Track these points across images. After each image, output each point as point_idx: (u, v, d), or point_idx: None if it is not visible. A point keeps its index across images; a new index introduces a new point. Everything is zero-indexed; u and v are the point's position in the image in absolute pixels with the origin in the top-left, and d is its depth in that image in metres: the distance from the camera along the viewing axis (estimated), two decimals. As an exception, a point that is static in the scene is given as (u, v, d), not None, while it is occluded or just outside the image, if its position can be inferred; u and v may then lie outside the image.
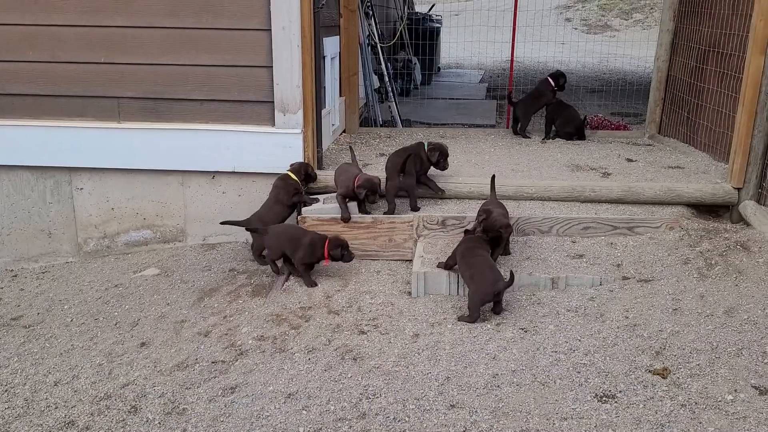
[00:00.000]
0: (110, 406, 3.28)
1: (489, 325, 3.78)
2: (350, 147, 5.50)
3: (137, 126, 5.08)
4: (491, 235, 4.14)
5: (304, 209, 4.78)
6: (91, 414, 3.23)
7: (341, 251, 4.26)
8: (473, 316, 3.80)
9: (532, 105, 6.69)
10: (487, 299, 3.81)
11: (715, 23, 5.67)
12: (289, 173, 4.79)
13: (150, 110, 5.08)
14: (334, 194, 4.87)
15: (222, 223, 4.84)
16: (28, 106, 5.12)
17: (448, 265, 4.15)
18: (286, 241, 4.38)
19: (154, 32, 4.94)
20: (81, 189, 5.26)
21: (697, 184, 4.96)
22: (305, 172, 4.84)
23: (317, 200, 4.89)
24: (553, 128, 6.62)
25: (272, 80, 4.91)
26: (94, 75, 5.05)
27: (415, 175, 4.81)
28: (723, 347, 3.36)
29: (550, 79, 6.55)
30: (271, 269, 4.58)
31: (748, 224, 4.70)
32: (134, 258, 5.18)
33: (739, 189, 4.87)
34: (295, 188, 4.75)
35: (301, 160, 5.01)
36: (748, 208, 4.77)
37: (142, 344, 3.88)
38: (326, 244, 4.26)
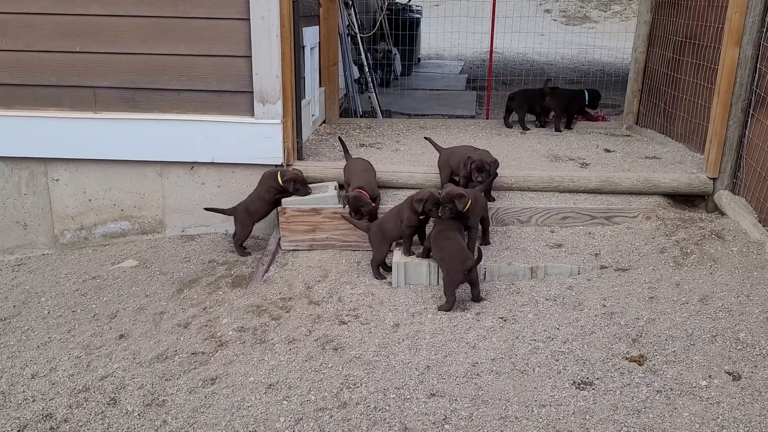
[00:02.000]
0: (89, 399, 3.25)
1: (469, 315, 3.80)
2: (339, 138, 5.49)
3: (114, 116, 5.02)
4: (482, 175, 4.48)
5: (284, 200, 4.76)
6: (70, 406, 3.20)
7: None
8: (449, 299, 3.84)
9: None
10: (458, 279, 3.85)
11: (691, 15, 5.73)
12: (278, 176, 4.70)
13: (127, 100, 5.02)
14: (319, 184, 4.93)
15: (206, 209, 4.86)
16: (2, 96, 5.03)
17: (426, 252, 4.17)
18: None
19: (131, 21, 4.87)
20: (57, 180, 5.19)
21: (674, 175, 5.02)
22: (293, 188, 4.69)
23: (309, 192, 4.81)
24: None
25: (251, 70, 4.87)
26: (70, 64, 4.97)
27: None
28: (698, 334, 3.43)
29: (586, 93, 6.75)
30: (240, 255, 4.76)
31: (722, 214, 4.78)
32: (112, 250, 5.13)
33: (714, 179, 4.95)
34: (277, 190, 4.72)
35: (281, 150, 4.99)
36: (723, 197, 4.85)
37: (121, 336, 3.85)
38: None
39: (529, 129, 6.60)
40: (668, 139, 6.09)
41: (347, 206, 4.51)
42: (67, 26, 4.90)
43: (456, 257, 3.88)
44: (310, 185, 4.90)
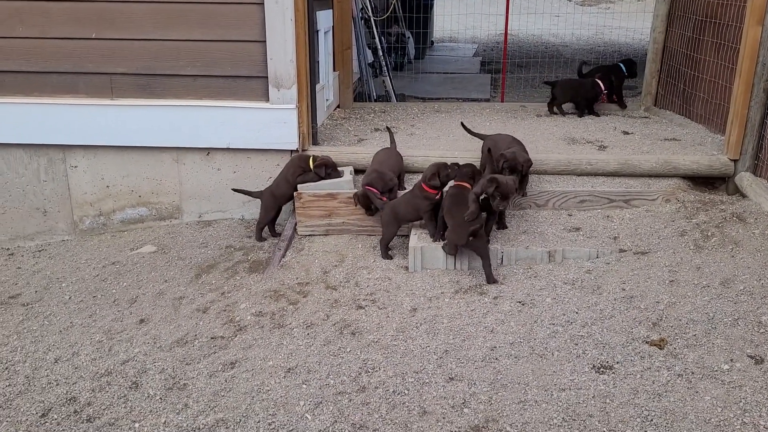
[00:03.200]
0: (111, 383, 3.29)
1: (486, 299, 3.79)
2: (388, 128, 5.37)
3: (131, 102, 5.03)
4: (516, 173, 4.32)
5: (300, 186, 4.76)
6: (93, 390, 3.24)
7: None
8: (451, 247, 4.03)
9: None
10: (461, 241, 3.96)
11: (712, -7, 5.62)
12: (310, 160, 4.73)
13: (143, 86, 5.02)
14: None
15: (234, 190, 4.90)
16: (19, 84, 5.05)
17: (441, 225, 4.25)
18: None
19: (145, 7, 4.86)
20: (75, 167, 5.22)
21: (694, 156, 4.96)
22: (325, 173, 4.69)
23: (340, 175, 4.82)
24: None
25: (266, 55, 4.85)
26: (85, 51, 4.97)
27: None
28: (719, 318, 3.39)
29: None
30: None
31: (744, 196, 4.71)
32: (130, 235, 5.17)
33: (735, 161, 4.88)
34: (302, 168, 4.74)
35: (296, 135, 4.98)
36: (744, 179, 4.78)
37: (141, 321, 3.88)
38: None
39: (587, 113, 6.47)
40: (688, 121, 6.00)
41: (358, 205, 4.57)
42: (81, 13, 4.90)
43: (462, 220, 3.94)
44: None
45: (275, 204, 4.81)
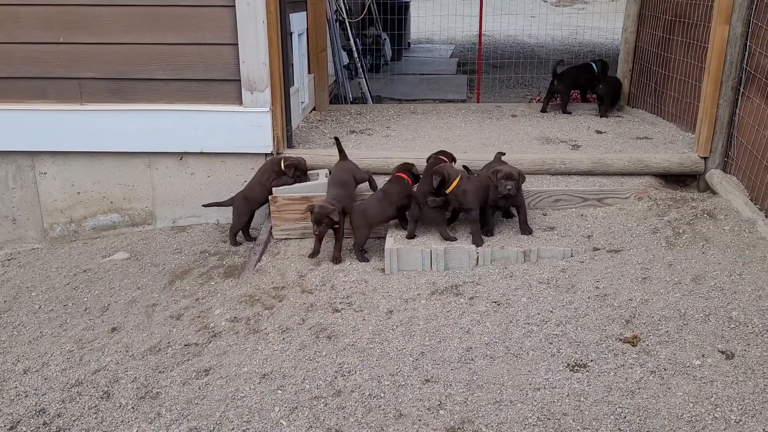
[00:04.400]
0: (82, 393, 3.24)
1: (462, 300, 3.80)
2: (336, 139, 4.83)
3: (101, 107, 4.96)
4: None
5: (275, 189, 4.73)
6: (63, 401, 3.18)
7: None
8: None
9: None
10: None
11: (681, -7, 5.70)
12: (281, 161, 4.70)
13: (114, 91, 4.95)
14: (310, 172, 4.91)
15: (204, 205, 4.83)
16: (-14, 89, 4.97)
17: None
18: None
19: (115, 10, 4.80)
20: (44, 173, 5.13)
21: (665, 155, 5.01)
22: (293, 174, 4.67)
23: (308, 179, 4.81)
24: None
25: (238, 58, 4.82)
26: (54, 56, 4.90)
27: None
28: (691, 314, 3.43)
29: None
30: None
31: (714, 193, 4.78)
32: (102, 242, 5.10)
33: (705, 158, 4.94)
34: (276, 172, 4.71)
35: (270, 139, 4.95)
36: (715, 176, 4.85)
37: (113, 329, 3.82)
38: None
39: (570, 113, 6.53)
40: (659, 119, 6.08)
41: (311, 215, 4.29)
42: (50, 17, 4.83)
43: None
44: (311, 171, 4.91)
45: (248, 208, 4.77)
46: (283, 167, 4.68)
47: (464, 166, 4.65)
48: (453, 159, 4.60)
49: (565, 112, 6.49)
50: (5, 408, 3.17)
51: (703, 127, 4.90)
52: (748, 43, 4.62)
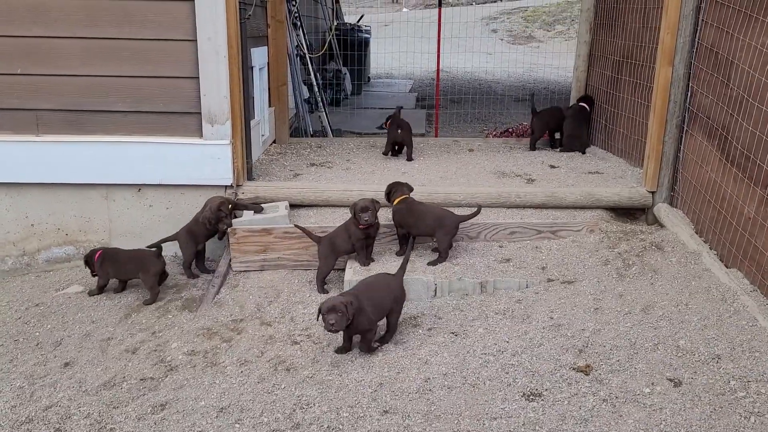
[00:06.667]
0: (32, 430, 3.15)
1: (421, 330, 3.84)
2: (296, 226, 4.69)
3: (58, 139, 4.90)
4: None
5: (234, 221, 4.73)
6: (12, 439, 3.09)
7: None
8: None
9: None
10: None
11: (627, 35, 5.99)
12: (225, 200, 4.71)
13: (71, 122, 4.92)
14: (270, 204, 4.91)
15: (148, 247, 4.60)
16: (-62, 119, 4.87)
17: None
18: None
19: (73, 42, 4.79)
20: (-3, 205, 5.03)
21: (615, 189, 5.20)
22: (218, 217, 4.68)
23: (261, 209, 4.85)
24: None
25: (199, 91, 4.85)
26: (10, 87, 4.85)
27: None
28: (641, 343, 3.54)
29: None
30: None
31: (662, 225, 4.97)
32: (56, 275, 4.99)
33: (653, 192, 5.14)
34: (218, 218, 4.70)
35: (231, 171, 4.96)
36: (662, 210, 5.05)
37: (66, 364, 3.74)
38: None
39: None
40: (609, 155, 6.31)
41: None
42: (6, 48, 4.79)
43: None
44: (261, 205, 4.90)
45: (194, 242, 4.73)
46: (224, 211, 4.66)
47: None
48: (410, 189, 4.70)
49: (533, 148, 6.61)
50: (-50, 447, 3.07)
51: (650, 162, 5.11)
52: (690, 84, 4.87)
